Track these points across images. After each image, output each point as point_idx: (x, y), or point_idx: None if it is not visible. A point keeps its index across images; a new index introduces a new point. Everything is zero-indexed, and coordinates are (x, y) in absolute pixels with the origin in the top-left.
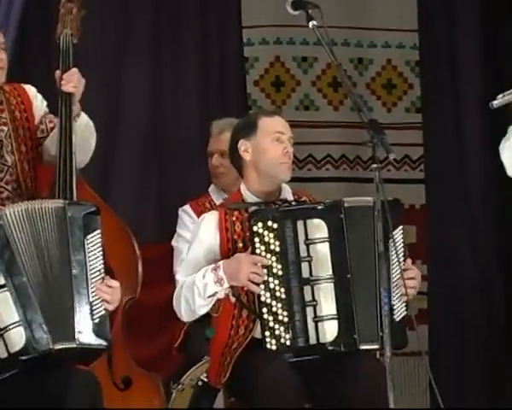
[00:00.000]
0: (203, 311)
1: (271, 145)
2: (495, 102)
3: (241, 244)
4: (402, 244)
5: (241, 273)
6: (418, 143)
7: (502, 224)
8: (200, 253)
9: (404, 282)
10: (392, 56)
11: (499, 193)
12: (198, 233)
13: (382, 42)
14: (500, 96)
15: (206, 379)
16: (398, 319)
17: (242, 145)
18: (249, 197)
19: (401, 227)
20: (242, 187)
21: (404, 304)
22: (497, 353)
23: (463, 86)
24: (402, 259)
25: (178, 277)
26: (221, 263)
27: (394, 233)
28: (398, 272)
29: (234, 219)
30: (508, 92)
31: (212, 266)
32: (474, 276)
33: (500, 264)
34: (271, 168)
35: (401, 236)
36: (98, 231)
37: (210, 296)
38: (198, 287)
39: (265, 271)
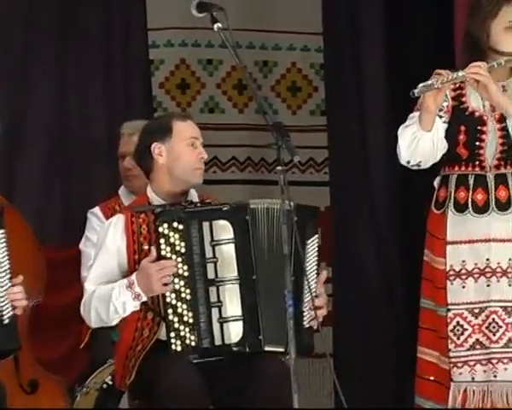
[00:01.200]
0: (116, 322)
1: (186, 150)
2: (416, 91)
3: (146, 247)
4: (317, 253)
5: (154, 284)
6: (323, 146)
7: (406, 226)
8: (108, 260)
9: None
10: (296, 59)
11: (403, 195)
12: (105, 239)
13: (287, 44)
14: (420, 85)
15: (110, 382)
16: (306, 326)
17: (156, 148)
18: (155, 200)
19: (317, 236)
20: (149, 189)
21: (312, 312)
22: (401, 353)
23: (367, 89)
24: (315, 268)
25: (87, 285)
26: (134, 278)
27: (309, 242)
28: (312, 279)
29: (140, 221)
30: (426, 83)
31: (125, 282)
32: (378, 278)
33: (403, 265)
34: (186, 173)
35: (316, 244)
36: (2, 231)
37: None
38: (116, 306)
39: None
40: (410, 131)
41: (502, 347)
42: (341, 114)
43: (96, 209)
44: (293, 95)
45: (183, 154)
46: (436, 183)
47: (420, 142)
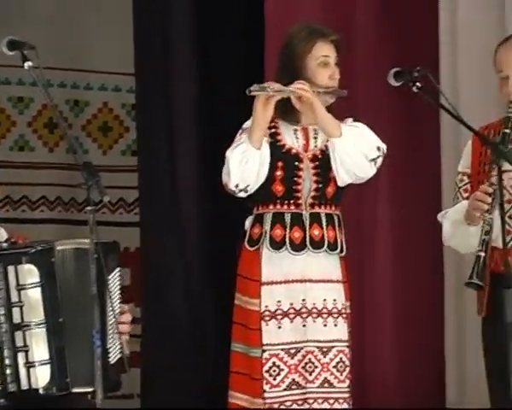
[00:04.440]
0: None
1: None
2: (252, 88)
3: None
4: (118, 286)
5: None
6: (133, 186)
7: (216, 267)
8: None
9: (118, 326)
10: (108, 99)
11: (214, 237)
12: None
13: (99, 84)
14: (255, 85)
15: None
16: (112, 362)
17: None
18: None
19: (118, 269)
20: None
21: (119, 347)
22: (212, 397)
23: (178, 129)
24: (118, 301)
25: None
26: None
27: (110, 277)
28: (114, 314)
29: None
30: (261, 85)
31: None
32: (187, 320)
33: (216, 307)
34: None
35: (118, 278)
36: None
37: None
38: None
39: None
40: (239, 150)
41: (317, 386)
42: (152, 154)
43: None
44: (105, 135)
45: None
46: (248, 222)
47: (249, 161)
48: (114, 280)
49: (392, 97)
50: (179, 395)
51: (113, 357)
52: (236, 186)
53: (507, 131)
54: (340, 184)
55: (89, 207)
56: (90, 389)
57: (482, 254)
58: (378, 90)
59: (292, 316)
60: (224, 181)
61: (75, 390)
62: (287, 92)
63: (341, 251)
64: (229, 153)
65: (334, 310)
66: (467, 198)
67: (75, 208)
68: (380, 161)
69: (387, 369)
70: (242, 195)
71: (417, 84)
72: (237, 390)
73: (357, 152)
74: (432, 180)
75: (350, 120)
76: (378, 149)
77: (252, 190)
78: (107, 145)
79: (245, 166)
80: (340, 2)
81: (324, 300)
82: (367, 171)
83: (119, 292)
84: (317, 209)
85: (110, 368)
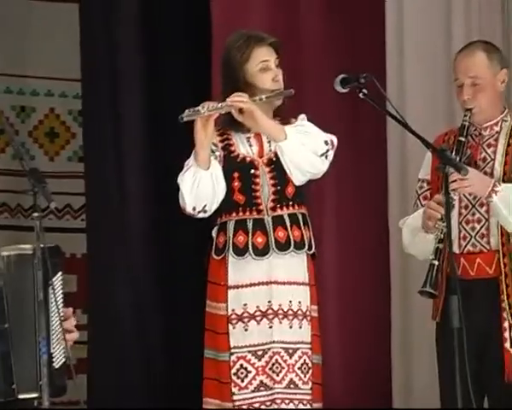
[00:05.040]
0: None
1: None
2: (184, 116)
3: None
4: (61, 291)
5: None
6: (80, 193)
7: (160, 274)
8: None
9: (63, 329)
10: (55, 105)
11: (160, 243)
12: None
13: (45, 90)
14: (187, 111)
15: None
16: (57, 366)
17: None
18: None
19: (60, 273)
20: None
21: (63, 351)
22: (155, 392)
23: (125, 136)
24: (61, 305)
25: None
26: None
27: (53, 280)
28: (58, 319)
29: None
30: (193, 109)
31: None
32: (133, 326)
33: (160, 312)
34: None
35: (61, 282)
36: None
37: None
38: None
39: None
40: (189, 174)
41: (284, 387)
42: (99, 160)
43: None
44: (51, 141)
45: None
46: (214, 232)
47: (201, 183)
48: (57, 285)
49: (339, 100)
50: (126, 401)
51: (58, 362)
52: (194, 209)
53: (462, 139)
54: (297, 183)
55: (35, 214)
56: (35, 395)
57: (436, 262)
58: (325, 92)
59: (258, 318)
60: (181, 206)
61: (21, 396)
62: (225, 108)
63: (309, 248)
64: (180, 178)
65: (300, 312)
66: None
67: (22, 214)
68: (330, 153)
69: (333, 377)
70: (202, 215)
71: (364, 90)
72: (209, 396)
73: (305, 150)
74: (378, 184)
75: (302, 116)
76: (326, 142)
77: (211, 209)
78: (54, 151)
79: (197, 188)
80: (287, 3)
81: (290, 301)
82: (319, 166)
83: (62, 296)
84: (279, 212)
85: (55, 373)
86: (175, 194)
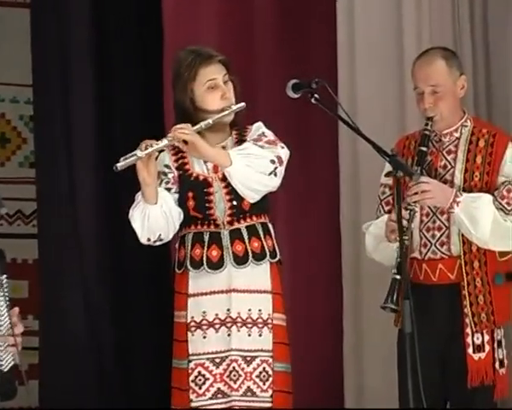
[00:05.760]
0: None
1: None
2: (119, 165)
3: None
4: (7, 294)
5: None
6: (31, 198)
7: (115, 281)
8: None
9: (14, 332)
10: (5, 110)
11: (114, 249)
12: None
13: None
14: (122, 158)
15: None
16: (6, 370)
17: None
18: None
19: (5, 276)
20: None
21: (11, 354)
22: (107, 398)
23: (76, 142)
24: (6, 310)
25: None
26: None
27: (3, 282)
28: (7, 322)
29: None
30: (130, 155)
31: None
32: (86, 332)
33: (112, 319)
34: None
35: (6, 285)
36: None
37: None
38: None
39: None
40: (138, 211)
41: (241, 395)
42: (50, 165)
43: None
44: (2, 146)
45: None
46: (177, 245)
47: (151, 217)
48: (2, 287)
49: (292, 106)
50: (78, 407)
51: (6, 365)
52: (149, 240)
53: (423, 149)
54: (252, 201)
55: None
56: None
57: (398, 277)
58: (277, 99)
59: (217, 326)
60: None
61: None
62: (165, 143)
63: (272, 257)
64: (130, 214)
65: (260, 320)
66: (388, 211)
67: None
68: (280, 169)
69: None
70: (159, 243)
71: (315, 95)
72: (174, 404)
73: (252, 172)
74: (330, 188)
75: (258, 124)
76: (272, 161)
77: (168, 236)
78: (5, 157)
79: (148, 222)
80: (238, 10)
81: (249, 310)
82: (269, 184)
83: (6, 298)
84: (236, 225)
85: (4, 376)
86: (128, 198)
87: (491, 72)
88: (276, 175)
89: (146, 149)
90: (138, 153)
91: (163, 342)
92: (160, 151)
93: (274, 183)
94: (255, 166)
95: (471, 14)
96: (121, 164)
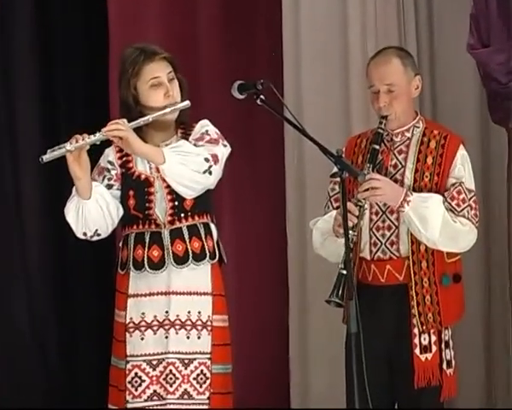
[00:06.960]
0: None
1: None
2: (45, 157)
3: None
4: None
5: None
6: None
7: (59, 280)
8: None
9: None
10: None
11: (58, 250)
12: None
13: None
14: (49, 150)
15: None
16: None
17: None
18: None
19: None
20: None
21: None
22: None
23: (21, 143)
24: None
25: None
26: None
27: None
28: None
29: None
30: (57, 147)
31: None
32: (31, 333)
33: (56, 318)
34: None
35: None
36: None
37: None
38: None
39: None
40: (72, 204)
41: (177, 398)
42: None
43: None
44: None
45: None
46: (121, 244)
47: (85, 211)
48: None
49: (237, 107)
50: (22, 407)
51: None
52: (85, 234)
53: (376, 147)
54: (188, 198)
55: None
56: None
57: (344, 271)
58: (223, 100)
59: (155, 328)
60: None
61: None
62: (98, 138)
63: (212, 258)
64: (66, 208)
65: (199, 322)
66: (337, 207)
67: None
68: (215, 168)
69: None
70: (97, 238)
71: (261, 96)
72: (111, 402)
73: (186, 170)
74: (276, 187)
75: (203, 121)
76: (206, 160)
77: (107, 231)
78: None
79: (83, 216)
80: (183, 11)
81: (188, 312)
82: (204, 182)
83: None
84: (177, 224)
85: None
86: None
87: (436, 69)
88: (210, 173)
89: (77, 142)
90: (68, 146)
91: (107, 341)
92: (94, 145)
93: (209, 181)
94: (189, 164)
95: (416, 11)
96: (47, 156)
